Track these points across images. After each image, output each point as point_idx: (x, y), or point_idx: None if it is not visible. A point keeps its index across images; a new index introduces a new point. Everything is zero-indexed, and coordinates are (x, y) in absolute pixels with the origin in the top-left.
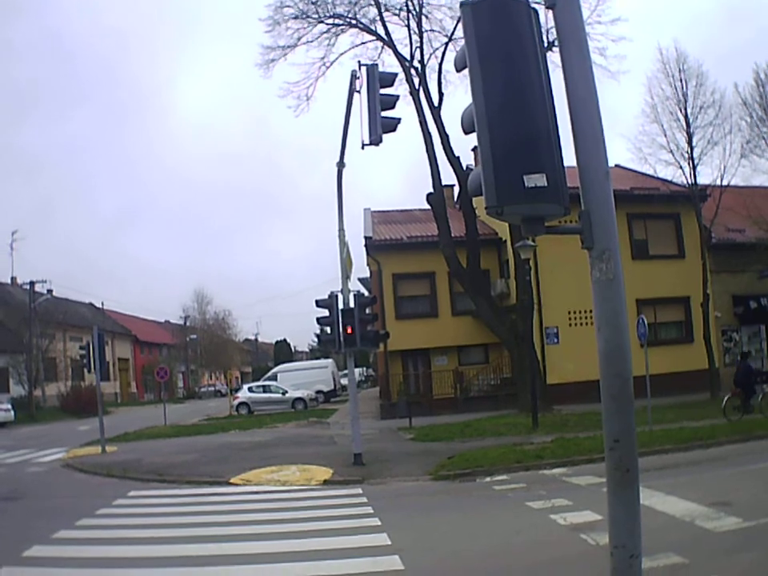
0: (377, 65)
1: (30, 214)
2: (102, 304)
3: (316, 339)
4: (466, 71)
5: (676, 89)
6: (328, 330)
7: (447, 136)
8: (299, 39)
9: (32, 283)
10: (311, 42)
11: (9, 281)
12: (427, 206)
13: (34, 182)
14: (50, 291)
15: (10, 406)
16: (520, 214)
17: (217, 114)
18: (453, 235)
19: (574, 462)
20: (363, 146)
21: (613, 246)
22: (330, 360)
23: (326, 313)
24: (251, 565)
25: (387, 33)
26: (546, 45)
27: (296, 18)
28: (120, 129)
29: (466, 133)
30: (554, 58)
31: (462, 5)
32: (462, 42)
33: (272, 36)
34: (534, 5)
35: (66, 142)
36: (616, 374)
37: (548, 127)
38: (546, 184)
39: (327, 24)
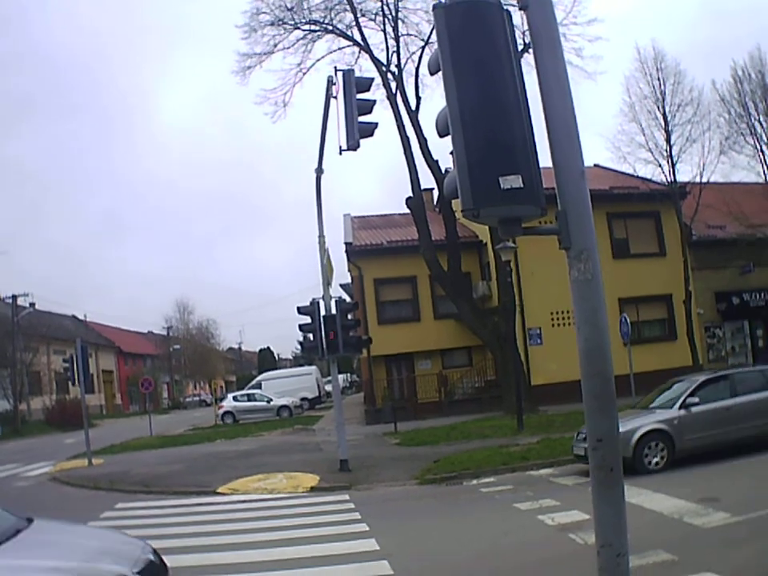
0: (353, 70)
1: (11, 225)
2: (85, 316)
3: (299, 346)
4: (440, 74)
5: (654, 87)
6: (311, 336)
7: (425, 140)
8: (275, 46)
9: (14, 297)
10: (288, 48)
11: None
12: (407, 211)
13: (16, 192)
14: (32, 304)
15: None
16: (497, 216)
17: (200, 121)
18: (433, 239)
19: (560, 463)
20: (341, 151)
21: (591, 246)
22: (314, 367)
23: (308, 320)
24: (240, 574)
25: (363, 38)
26: (521, 47)
27: (272, 24)
28: (104, 137)
29: (441, 136)
30: (528, 59)
31: (434, 7)
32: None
33: (248, 43)
34: (507, 7)
35: (48, 151)
36: (597, 373)
37: (523, 129)
38: (521, 185)
39: (303, 30)
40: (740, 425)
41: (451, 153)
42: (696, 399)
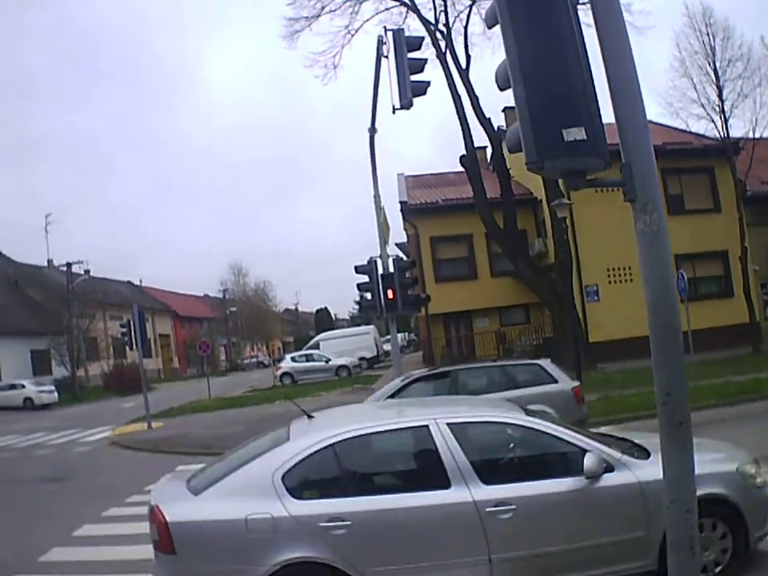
0: (403, 29)
1: (66, 193)
2: (141, 281)
3: (356, 306)
4: (496, 28)
5: (703, 43)
6: (368, 295)
7: (477, 98)
8: (322, 9)
9: (69, 264)
10: (334, 11)
11: (45, 263)
12: (460, 169)
13: (70, 161)
14: (87, 272)
15: (53, 388)
16: (561, 169)
17: (245, 88)
18: (488, 196)
19: (620, 420)
20: (394, 110)
21: (655, 198)
22: (372, 326)
23: (365, 279)
24: None
25: None
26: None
27: None
28: (155, 106)
29: (501, 89)
30: (583, 17)
31: None
32: (487, 2)
33: (294, 8)
34: None
35: (95, 123)
36: (664, 325)
37: (584, 80)
38: (585, 137)
39: None
40: None
41: (505, 110)
42: None
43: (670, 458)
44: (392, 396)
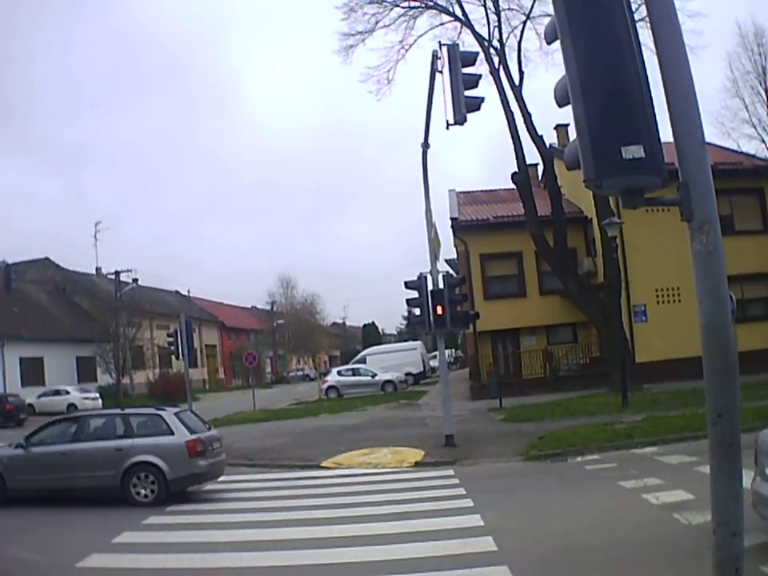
0: (458, 44)
1: (112, 205)
2: (189, 291)
3: (404, 321)
4: (554, 44)
5: (755, 63)
6: (417, 311)
7: (530, 115)
8: (377, 23)
9: (117, 273)
10: (388, 25)
11: (94, 271)
12: (511, 186)
13: (115, 173)
14: (135, 280)
15: (98, 395)
16: (619, 187)
17: (295, 104)
18: (538, 214)
19: (665, 441)
20: (448, 125)
21: (712, 218)
22: (419, 342)
23: (415, 294)
24: (343, 548)
25: (464, 13)
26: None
27: (371, 2)
28: (206, 118)
29: (560, 106)
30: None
31: None
32: (541, 18)
33: (348, 23)
34: None
35: (146, 133)
36: (718, 348)
37: (643, 97)
38: (643, 155)
39: (403, 7)
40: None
41: (555, 127)
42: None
43: (718, 479)
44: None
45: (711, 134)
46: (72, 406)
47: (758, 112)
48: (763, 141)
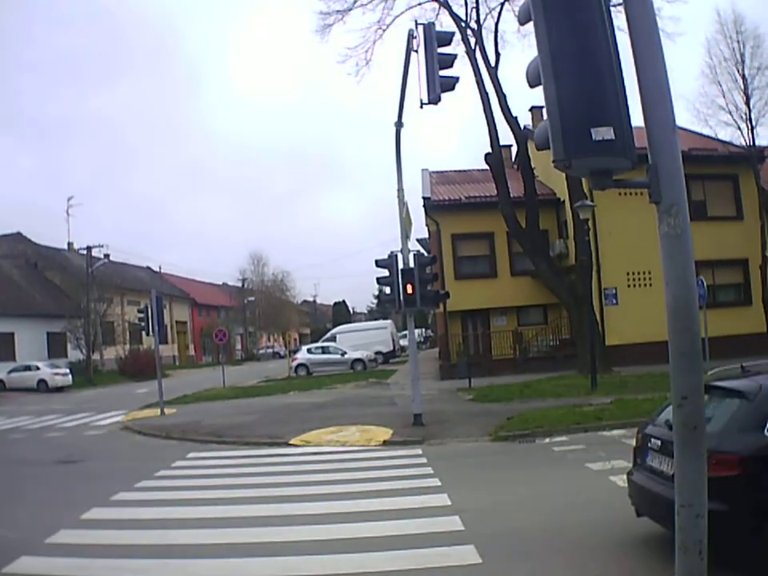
0: (434, 24)
1: (87, 180)
2: (160, 268)
3: (375, 300)
4: (528, 25)
5: (734, 50)
6: (388, 290)
7: (504, 96)
8: (354, 2)
9: (89, 248)
10: (366, 4)
11: (66, 246)
12: (485, 167)
13: (92, 149)
14: (107, 256)
15: (68, 371)
16: (588, 167)
17: (273, 82)
18: (511, 195)
19: (634, 424)
20: (422, 104)
21: (681, 201)
22: (389, 321)
23: (386, 273)
24: (310, 525)
25: None
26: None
27: None
28: (174, 97)
29: (532, 86)
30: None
31: None
32: (519, 0)
33: (327, 1)
34: None
35: (121, 110)
36: (684, 330)
37: (614, 80)
38: (613, 137)
39: None
40: None
41: (530, 109)
42: None
43: (682, 461)
44: None
45: (688, 120)
46: (42, 382)
47: (734, 99)
48: (739, 128)
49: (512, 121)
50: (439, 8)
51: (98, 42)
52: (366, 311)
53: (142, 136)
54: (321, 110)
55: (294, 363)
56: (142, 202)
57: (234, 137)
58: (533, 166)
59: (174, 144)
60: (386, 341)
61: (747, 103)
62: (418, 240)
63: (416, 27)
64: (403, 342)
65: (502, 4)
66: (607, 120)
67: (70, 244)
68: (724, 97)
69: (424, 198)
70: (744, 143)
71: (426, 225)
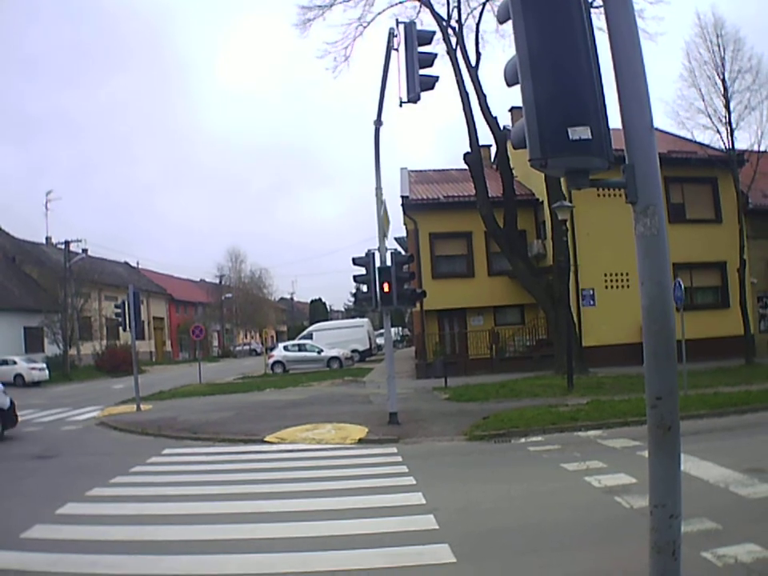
0: (414, 23)
1: (66, 175)
2: (138, 263)
3: (352, 298)
4: (507, 25)
5: (713, 53)
6: (364, 288)
7: (485, 96)
8: None
9: (67, 243)
10: (347, 1)
11: (44, 241)
12: (464, 166)
13: (72, 143)
14: (84, 251)
15: (44, 365)
16: (564, 167)
17: (252, 79)
18: (490, 195)
19: (609, 425)
20: (401, 103)
21: (657, 201)
22: (366, 319)
23: (362, 271)
24: (285, 523)
25: None
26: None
27: None
28: (161, 93)
29: (509, 85)
30: (594, 19)
31: None
32: (500, 1)
33: None
34: None
35: (105, 105)
36: (659, 331)
37: (592, 80)
38: (590, 137)
39: None
40: None
41: (510, 109)
42: None
43: (656, 462)
44: None
45: (666, 123)
46: (19, 377)
47: (713, 102)
48: (718, 131)
49: (491, 121)
50: (420, 6)
51: (84, 39)
52: (343, 309)
53: (126, 130)
54: (302, 107)
55: (271, 360)
56: (122, 196)
57: (216, 133)
58: (512, 166)
59: (156, 140)
60: (362, 339)
61: (727, 107)
62: (396, 239)
63: (397, 26)
64: (380, 341)
65: (483, 4)
66: (584, 119)
67: (48, 238)
68: (703, 100)
69: (402, 196)
70: (723, 146)
71: (404, 223)
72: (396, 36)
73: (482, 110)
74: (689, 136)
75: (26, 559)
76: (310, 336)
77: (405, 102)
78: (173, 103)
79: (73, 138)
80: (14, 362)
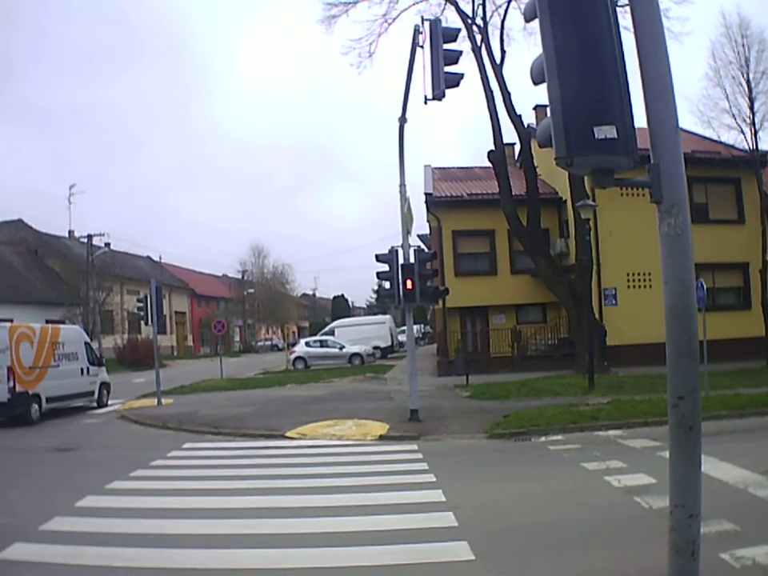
0: (440, 20)
1: (90, 170)
2: (160, 258)
3: (374, 295)
4: (534, 23)
5: (738, 54)
6: (387, 284)
7: (509, 94)
8: None
9: (90, 236)
10: None
11: (66, 234)
12: (487, 164)
13: (96, 138)
14: (107, 245)
15: None
16: (590, 165)
17: (277, 76)
18: (513, 193)
19: (630, 425)
20: (426, 100)
21: (682, 201)
22: (388, 316)
23: (386, 268)
24: (305, 518)
25: None
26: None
27: None
28: (181, 90)
29: (536, 83)
30: (620, 19)
31: None
32: None
33: None
34: None
35: (126, 101)
36: (682, 330)
37: (618, 79)
38: (615, 136)
39: None
40: None
41: (534, 107)
42: None
43: (677, 462)
44: None
45: (691, 123)
46: None
47: (738, 102)
48: (742, 132)
49: (516, 119)
50: (445, 3)
51: (105, 34)
52: (365, 306)
53: (148, 127)
54: (324, 104)
55: (292, 356)
56: (144, 192)
57: (238, 130)
58: (535, 164)
59: (179, 136)
60: (384, 336)
61: (751, 107)
62: (419, 236)
63: (422, 23)
64: (402, 338)
65: (509, 2)
66: (610, 119)
67: (70, 232)
68: (728, 100)
69: (426, 193)
70: (747, 147)
71: (427, 221)
72: (421, 33)
73: (506, 107)
74: (714, 135)
75: (45, 551)
76: (331, 332)
77: (430, 99)
78: (194, 102)
79: (97, 133)
80: None
